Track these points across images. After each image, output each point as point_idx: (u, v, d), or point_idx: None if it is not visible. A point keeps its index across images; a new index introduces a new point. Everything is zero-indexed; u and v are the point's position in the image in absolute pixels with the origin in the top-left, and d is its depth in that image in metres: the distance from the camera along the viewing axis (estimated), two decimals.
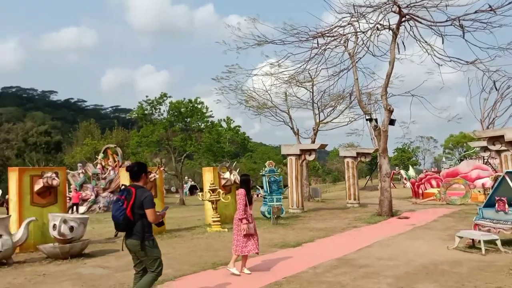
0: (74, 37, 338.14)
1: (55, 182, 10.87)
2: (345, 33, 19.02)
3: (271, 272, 7.63)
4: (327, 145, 22.93)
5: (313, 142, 28.64)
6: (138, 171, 5.06)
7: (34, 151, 69.06)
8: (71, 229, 9.45)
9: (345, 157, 25.24)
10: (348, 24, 18.63)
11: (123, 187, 5.06)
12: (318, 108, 30.64)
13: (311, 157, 21.39)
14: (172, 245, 10.96)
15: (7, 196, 14.47)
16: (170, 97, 35.89)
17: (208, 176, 15.58)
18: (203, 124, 37.47)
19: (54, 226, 9.36)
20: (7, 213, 13.12)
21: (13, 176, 10.87)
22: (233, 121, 50.67)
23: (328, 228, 13.94)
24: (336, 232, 12.86)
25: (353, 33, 19.06)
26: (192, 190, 50.37)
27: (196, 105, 36.08)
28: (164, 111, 35.90)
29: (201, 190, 18.98)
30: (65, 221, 9.41)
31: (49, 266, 8.74)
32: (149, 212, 4.87)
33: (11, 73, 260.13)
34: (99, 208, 27.64)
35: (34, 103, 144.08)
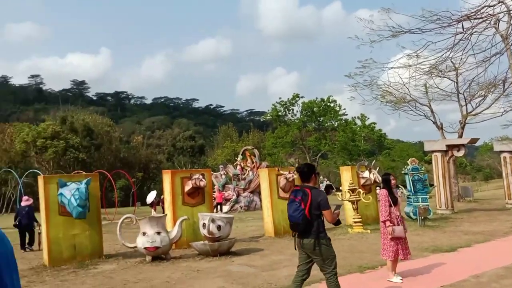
0: (211, 48, 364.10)
1: (202, 183, 11.58)
2: (495, 13, 16.98)
3: (426, 280, 6.96)
4: (478, 139, 20.71)
5: (460, 136, 26.07)
6: (308, 172, 5.18)
7: (181, 155, 76.08)
8: (219, 228, 9.92)
9: (501, 151, 22.39)
10: (499, 2, 16.60)
11: (296, 187, 5.21)
12: (465, 99, 27.81)
13: (460, 153, 19.49)
14: None
15: (162, 196, 15.95)
16: (302, 97, 36.21)
17: (346, 175, 15.15)
18: (336, 123, 36.96)
19: (204, 225, 9.93)
20: (163, 212, 14.46)
21: (166, 178, 11.88)
22: (368, 118, 48.86)
23: (487, 231, 12.40)
24: (497, 237, 11.36)
25: (505, 12, 16.92)
26: (328, 189, 49.90)
27: (328, 103, 35.73)
28: (297, 111, 36.40)
29: (337, 189, 18.61)
30: (213, 220, 9.92)
31: (201, 263, 9.28)
32: (326, 213, 4.99)
33: (160, 85, 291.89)
34: (241, 208, 29.02)
35: (179, 111, 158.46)
